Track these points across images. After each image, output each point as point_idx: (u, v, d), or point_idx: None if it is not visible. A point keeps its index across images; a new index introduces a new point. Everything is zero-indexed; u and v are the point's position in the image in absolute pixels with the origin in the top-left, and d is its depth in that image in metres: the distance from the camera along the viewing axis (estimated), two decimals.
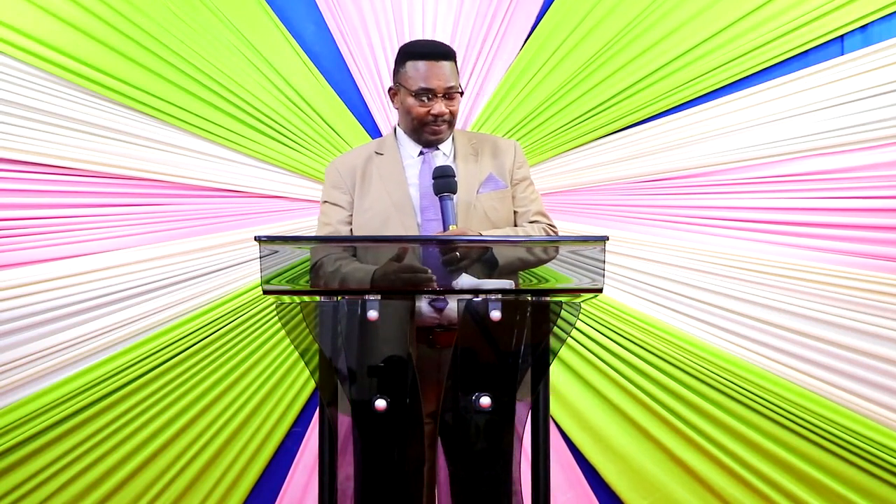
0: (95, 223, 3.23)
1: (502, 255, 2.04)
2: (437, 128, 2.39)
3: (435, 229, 2.27)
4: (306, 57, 3.32)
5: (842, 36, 3.29)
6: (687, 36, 3.32)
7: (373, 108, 3.34)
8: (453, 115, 2.40)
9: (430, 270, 1.94)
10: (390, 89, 2.47)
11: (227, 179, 3.29)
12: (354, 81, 3.35)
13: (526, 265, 2.12)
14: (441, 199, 2.20)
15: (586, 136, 3.34)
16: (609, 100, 3.33)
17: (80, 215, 3.23)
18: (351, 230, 2.40)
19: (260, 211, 3.30)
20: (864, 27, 3.27)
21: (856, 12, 3.26)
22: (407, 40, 3.32)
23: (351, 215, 2.41)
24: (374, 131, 3.33)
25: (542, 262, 2.13)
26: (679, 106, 3.33)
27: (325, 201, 2.48)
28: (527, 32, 3.36)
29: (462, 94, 2.43)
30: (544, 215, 2.46)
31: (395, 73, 2.45)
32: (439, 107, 2.36)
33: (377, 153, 2.46)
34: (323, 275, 2.00)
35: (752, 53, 3.30)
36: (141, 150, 3.25)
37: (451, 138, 2.48)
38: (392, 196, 2.37)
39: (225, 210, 3.29)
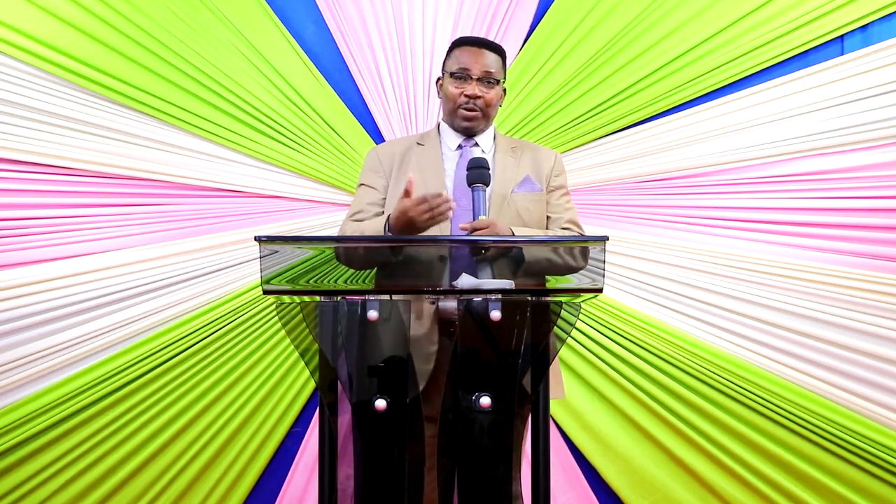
0: (95, 223, 3.23)
1: (529, 253, 2.04)
2: (468, 112, 2.39)
3: (465, 220, 2.28)
4: (306, 57, 3.32)
5: (842, 36, 3.29)
6: (687, 36, 3.32)
7: (373, 108, 3.34)
8: (487, 103, 2.40)
9: (444, 194, 2.05)
10: (438, 80, 2.50)
11: (227, 179, 3.29)
12: (354, 81, 3.35)
13: (553, 267, 2.13)
14: (473, 190, 2.20)
15: (586, 136, 3.34)
16: (609, 100, 3.33)
17: (80, 215, 3.23)
18: (383, 213, 2.40)
19: (260, 211, 3.31)
20: (864, 27, 3.28)
21: (856, 12, 3.26)
22: (407, 40, 3.34)
23: (384, 199, 2.42)
24: (374, 131, 3.33)
25: (570, 268, 2.14)
26: (679, 106, 3.34)
27: (361, 184, 2.49)
28: (527, 32, 3.37)
29: (499, 83, 2.42)
30: (577, 225, 2.46)
31: (444, 63, 2.47)
32: (472, 88, 2.37)
33: (418, 144, 2.49)
34: (342, 249, 2.02)
35: (752, 53, 3.30)
36: (141, 150, 3.25)
37: (492, 137, 2.49)
38: (427, 185, 2.37)
39: (225, 210, 3.29)
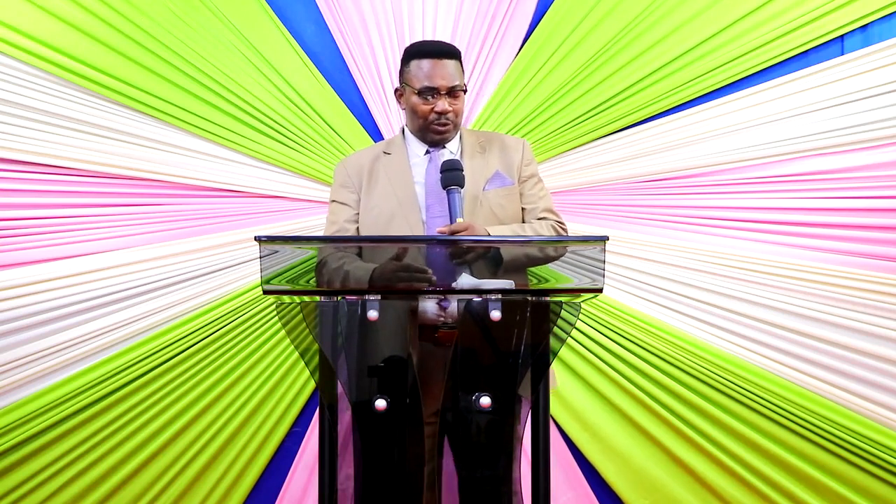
0: (95, 223, 3.23)
1: (508, 251, 2.03)
2: (440, 127, 2.40)
3: (440, 226, 2.28)
4: (306, 57, 3.32)
5: (842, 36, 3.29)
6: (687, 36, 3.32)
7: (373, 108, 3.34)
8: (457, 113, 2.41)
9: (430, 271, 1.92)
10: (396, 90, 2.49)
11: (227, 179, 3.29)
12: (354, 81, 3.35)
13: (533, 262, 2.11)
14: (448, 193, 2.21)
15: (586, 136, 3.34)
16: (609, 100, 3.33)
17: (80, 215, 3.23)
18: (357, 228, 2.41)
19: (260, 211, 3.31)
20: (864, 27, 3.27)
21: (856, 12, 3.26)
22: (407, 40, 3.33)
23: (358, 214, 2.43)
24: (374, 131, 3.33)
25: (549, 258, 2.12)
26: (679, 106, 3.33)
27: (333, 200, 2.49)
28: (527, 32, 3.36)
29: (466, 91, 2.43)
30: (553, 212, 2.46)
31: (401, 73, 2.46)
32: (443, 104, 2.37)
33: (385, 153, 2.48)
34: (326, 272, 2.00)
35: (752, 53, 3.30)
36: (141, 150, 3.25)
37: (458, 137, 2.49)
38: (398, 194, 2.38)
39: (225, 210, 3.29)
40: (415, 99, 2.39)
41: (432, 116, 2.38)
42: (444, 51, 2.42)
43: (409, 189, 2.39)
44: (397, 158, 2.45)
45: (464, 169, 2.29)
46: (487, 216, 2.36)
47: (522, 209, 2.45)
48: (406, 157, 2.45)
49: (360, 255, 2.12)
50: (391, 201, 2.38)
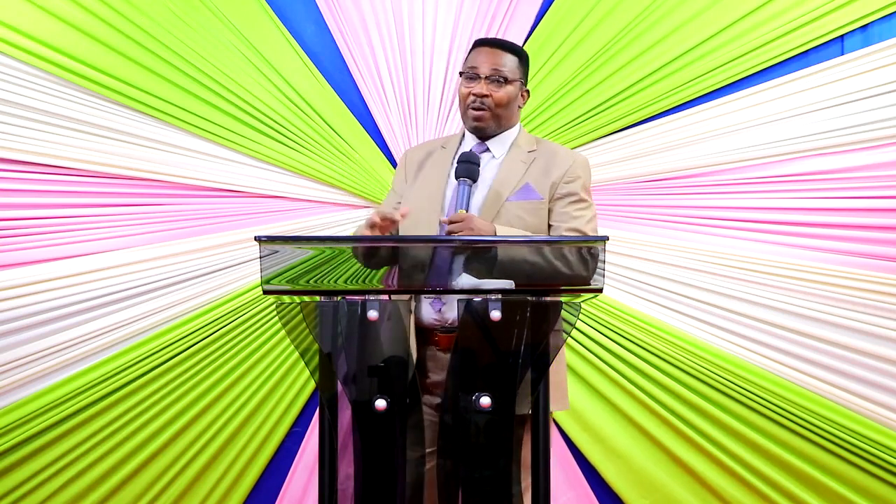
0: (95, 223, 3.23)
1: (505, 252, 1.97)
2: (476, 111, 2.33)
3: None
4: (306, 57, 3.32)
5: (842, 36, 3.28)
6: (687, 36, 3.32)
7: (373, 108, 3.34)
8: (497, 102, 2.32)
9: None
10: None
11: (227, 179, 3.29)
12: (354, 81, 3.35)
13: (538, 271, 2.06)
14: (459, 184, 2.20)
15: (586, 136, 3.34)
16: (609, 100, 3.33)
17: (80, 215, 3.23)
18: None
19: (260, 211, 3.31)
20: (864, 27, 3.27)
21: (856, 12, 3.26)
22: (407, 40, 3.34)
23: (400, 203, 2.41)
24: (373, 131, 3.33)
25: (559, 273, 2.07)
26: (679, 106, 3.33)
27: (392, 186, 2.55)
28: (527, 32, 3.36)
29: (510, 82, 2.33)
30: (582, 233, 2.32)
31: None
32: (480, 87, 2.32)
33: (442, 147, 2.47)
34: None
35: (752, 53, 3.30)
36: (141, 150, 3.25)
37: (514, 138, 2.40)
38: (430, 188, 2.37)
39: (225, 210, 3.29)
40: (460, 82, 2.38)
41: (469, 99, 2.34)
42: (497, 42, 2.44)
43: (441, 185, 2.36)
44: (447, 154, 2.42)
45: (497, 170, 2.30)
46: (503, 226, 2.32)
47: (550, 226, 2.33)
48: (454, 154, 2.40)
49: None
50: (422, 195, 2.36)
